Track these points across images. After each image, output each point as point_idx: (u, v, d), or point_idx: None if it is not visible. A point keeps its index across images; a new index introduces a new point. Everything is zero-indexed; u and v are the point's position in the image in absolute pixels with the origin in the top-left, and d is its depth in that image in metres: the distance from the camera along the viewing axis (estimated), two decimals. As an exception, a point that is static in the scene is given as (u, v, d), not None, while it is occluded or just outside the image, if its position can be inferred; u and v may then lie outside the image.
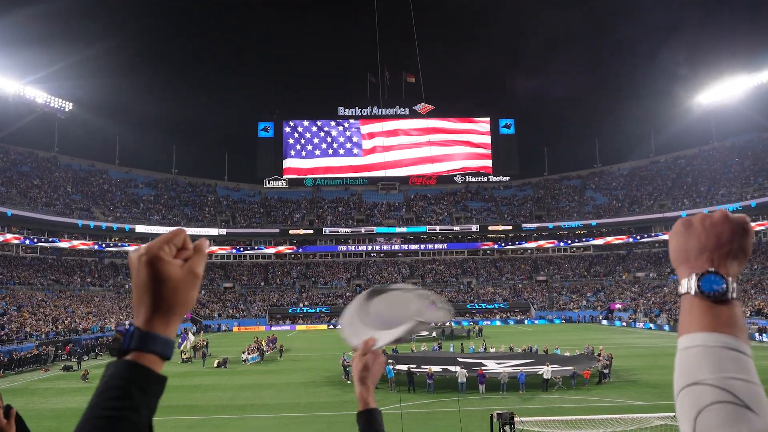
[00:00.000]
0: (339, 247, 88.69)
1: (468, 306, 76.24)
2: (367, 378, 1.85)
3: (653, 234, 79.91)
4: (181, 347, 39.55)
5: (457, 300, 78.06)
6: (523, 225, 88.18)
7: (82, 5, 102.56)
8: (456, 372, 26.24)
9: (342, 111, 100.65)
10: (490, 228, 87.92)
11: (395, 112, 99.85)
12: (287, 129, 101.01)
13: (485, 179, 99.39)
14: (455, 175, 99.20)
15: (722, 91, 78.76)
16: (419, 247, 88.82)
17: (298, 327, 70.88)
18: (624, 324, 64.15)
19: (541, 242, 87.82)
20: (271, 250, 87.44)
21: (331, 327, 70.31)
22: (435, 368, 27.53)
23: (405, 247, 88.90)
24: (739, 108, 79.92)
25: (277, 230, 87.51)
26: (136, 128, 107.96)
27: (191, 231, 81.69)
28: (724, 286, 1.01)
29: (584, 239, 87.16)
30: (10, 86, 67.83)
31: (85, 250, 75.15)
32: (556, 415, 18.19)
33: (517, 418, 15.31)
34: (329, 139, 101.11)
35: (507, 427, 15.06)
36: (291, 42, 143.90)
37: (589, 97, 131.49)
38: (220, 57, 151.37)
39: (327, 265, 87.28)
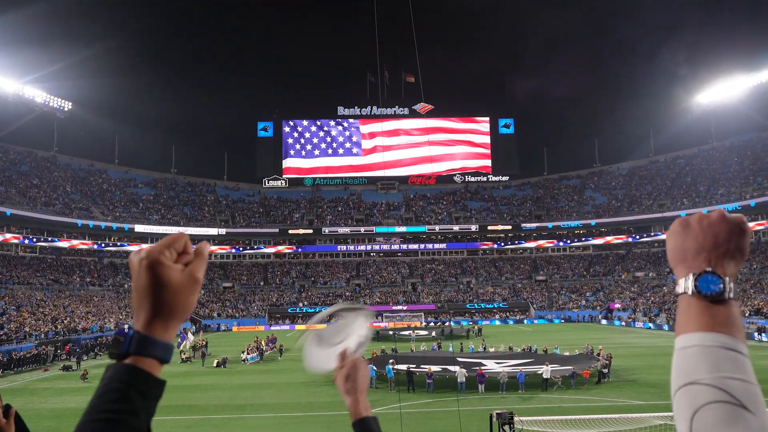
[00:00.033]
0: (338, 247, 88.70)
1: (467, 306, 76.28)
2: (353, 389, 1.80)
3: (652, 234, 79.95)
4: (181, 347, 39.55)
5: (456, 300, 78.11)
6: (523, 225, 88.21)
7: (81, 5, 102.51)
8: (455, 372, 26.25)
9: (341, 111, 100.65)
10: (489, 228, 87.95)
11: (395, 111, 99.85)
12: (287, 129, 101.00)
13: (485, 179, 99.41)
14: (455, 175, 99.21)
15: (722, 91, 78.79)
16: (418, 246, 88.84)
17: (298, 327, 70.84)
18: (623, 324, 64.19)
19: (541, 242, 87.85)
20: (271, 250, 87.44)
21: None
22: (434, 368, 27.54)
23: (404, 246, 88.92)
24: (739, 108, 79.98)
25: (277, 230, 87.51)
26: (136, 128, 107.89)
27: (190, 231, 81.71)
28: (721, 286, 1.02)
29: (583, 239, 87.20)
30: (9, 86, 67.79)
31: (84, 250, 75.13)
32: (556, 415, 18.20)
33: (516, 418, 15.31)
34: (329, 139, 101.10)
35: (506, 427, 15.06)
36: (290, 42, 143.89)
37: (588, 97, 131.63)
38: (219, 57, 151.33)
39: (326, 265, 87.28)
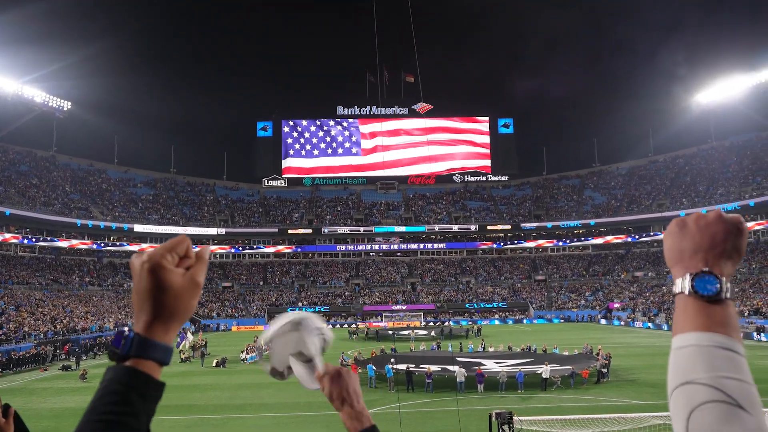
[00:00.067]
0: (338, 247, 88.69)
1: (467, 305, 76.30)
2: (348, 400, 1.60)
3: (652, 233, 79.98)
4: (180, 347, 39.55)
5: (455, 299, 78.12)
6: (522, 224, 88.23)
7: (81, 5, 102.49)
8: (455, 371, 26.26)
9: (341, 110, 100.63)
10: (488, 227, 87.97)
11: (394, 111, 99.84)
12: (286, 128, 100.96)
13: (484, 179, 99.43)
14: (454, 175, 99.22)
15: (721, 91, 78.81)
16: (418, 246, 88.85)
17: (297, 326, 70.76)
18: (622, 323, 64.22)
19: (540, 242, 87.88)
20: (270, 250, 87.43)
21: (330, 326, 70.18)
22: (434, 368, 27.54)
23: (404, 246, 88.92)
24: (738, 107, 80.00)
25: (276, 230, 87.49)
26: (135, 128, 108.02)
27: (190, 230, 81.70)
28: (718, 286, 1.02)
29: (583, 239, 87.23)
30: (8, 85, 67.72)
31: (83, 250, 75.10)
32: (555, 415, 18.21)
33: (515, 418, 15.32)
34: (328, 139, 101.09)
35: (505, 427, 15.07)
36: (290, 42, 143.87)
37: (588, 97, 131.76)
38: (219, 56, 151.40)
39: (326, 265, 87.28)
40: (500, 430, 15.13)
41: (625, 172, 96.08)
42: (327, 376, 1.61)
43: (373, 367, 27.71)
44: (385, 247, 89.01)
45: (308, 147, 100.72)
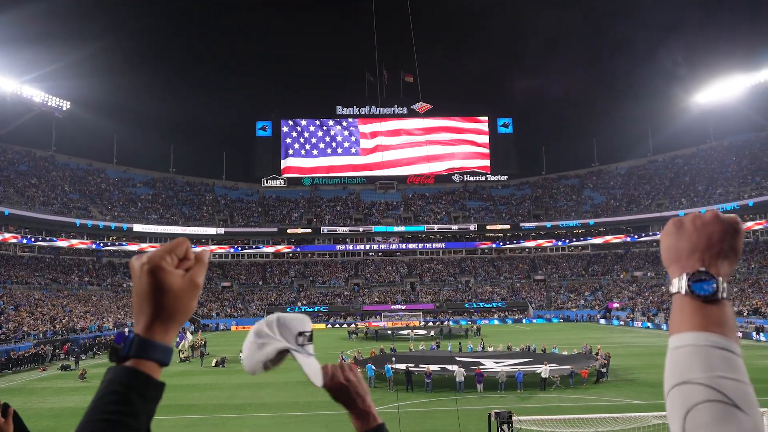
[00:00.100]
0: (337, 246, 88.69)
1: (466, 305, 76.32)
2: (345, 405, 1.58)
3: (651, 233, 79.99)
4: (179, 346, 39.54)
5: (455, 299, 78.15)
6: (521, 224, 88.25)
7: (80, 4, 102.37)
8: (454, 371, 26.27)
9: (340, 110, 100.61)
10: (488, 227, 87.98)
11: (393, 111, 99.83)
12: (285, 128, 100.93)
13: (483, 178, 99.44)
14: (453, 175, 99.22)
15: (720, 91, 78.86)
16: (417, 246, 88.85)
17: (297, 326, 70.77)
18: (622, 323, 64.25)
19: (539, 241, 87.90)
20: (270, 249, 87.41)
21: (329, 326, 70.30)
22: (433, 367, 27.55)
23: (403, 246, 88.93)
24: (737, 107, 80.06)
25: (275, 229, 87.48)
26: (134, 127, 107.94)
27: (189, 230, 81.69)
28: (715, 285, 1.03)
29: (582, 238, 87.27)
30: (7, 85, 67.66)
31: (82, 249, 75.06)
32: (554, 414, 18.22)
33: (515, 417, 15.32)
34: (327, 138, 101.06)
35: (505, 426, 15.07)
36: (289, 41, 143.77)
37: (587, 97, 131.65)
38: (218, 56, 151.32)
39: (325, 264, 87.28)
40: (499, 429, 15.13)
41: (625, 171, 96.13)
42: (329, 377, 1.55)
43: (373, 367, 27.72)
44: (384, 246, 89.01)
45: (307, 147, 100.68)
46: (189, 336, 42.04)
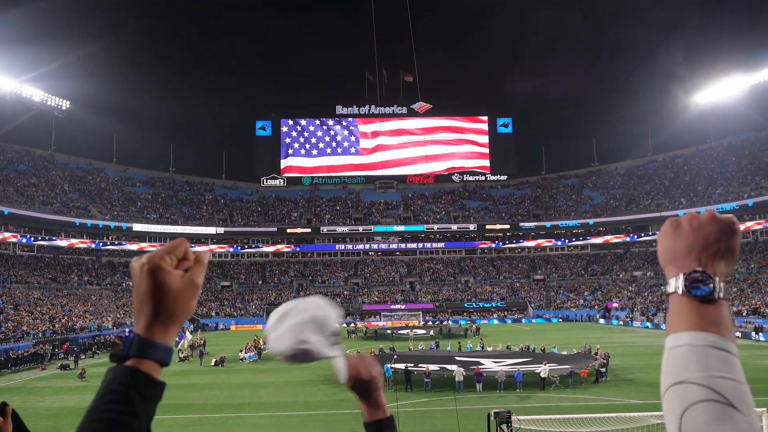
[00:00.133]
0: (337, 246, 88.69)
1: (465, 305, 76.35)
2: (359, 396, 1.63)
3: (650, 233, 79.99)
4: (179, 346, 39.53)
5: (454, 299, 78.17)
6: (521, 224, 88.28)
7: (80, 4, 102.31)
8: (453, 371, 26.29)
9: (340, 109, 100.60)
10: (487, 227, 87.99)
11: (393, 110, 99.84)
12: (285, 128, 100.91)
13: (483, 178, 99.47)
14: (453, 174, 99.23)
15: (720, 91, 78.91)
16: (417, 245, 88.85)
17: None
18: (621, 323, 64.27)
19: (539, 241, 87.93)
20: (269, 249, 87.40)
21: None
22: (432, 367, 27.57)
23: (403, 245, 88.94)
24: (737, 107, 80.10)
25: (275, 229, 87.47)
26: (134, 127, 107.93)
27: (189, 230, 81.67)
28: (711, 285, 1.03)
29: (582, 238, 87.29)
30: (6, 84, 67.64)
31: (82, 249, 75.04)
32: (553, 414, 18.24)
33: (514, 417, 15.32)
34: (327, 138, 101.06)
35: (504, 426, 15.08)
36: (289, 41, 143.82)
37: (586, 97, 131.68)
38: (217, 56, 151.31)
39: (325, 264, 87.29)
40: (499, 429, 15.14)
41: (624, 171, 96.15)
42: (355, 371, 1.60)
43: (372, 367, 27.68)
44: (383, 246, 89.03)
45: (307, 146, 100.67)
46: (188, 335, 42.05)
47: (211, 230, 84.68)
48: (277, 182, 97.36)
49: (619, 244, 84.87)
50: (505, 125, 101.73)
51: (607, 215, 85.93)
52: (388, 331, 53.73)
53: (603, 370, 27.92)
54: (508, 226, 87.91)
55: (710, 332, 1.00)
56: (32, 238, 68.47)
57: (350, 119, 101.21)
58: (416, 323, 67.21)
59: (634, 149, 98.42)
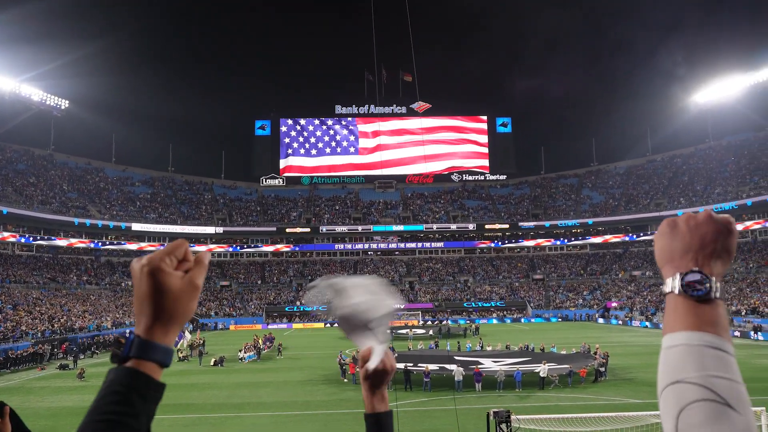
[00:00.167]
0: (336, 246, 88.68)
1: (465, 304, 76.37)
2: (370, 386, 1.71)
3: (649, 232, 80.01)
4: (178, 345, 39.52)
5: (453, 298, 78.18)
6: (520, 223, 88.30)
7: (79, 4, 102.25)
8: (453, 370, 26.30)
9: (339, 109, 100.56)
10: (486, 226, 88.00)
11: (392, 110, 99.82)
12: (284, 128, 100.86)
13: (482, 178, 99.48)
14: (452, 174, 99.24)
15: (718, 90, 78.94)
16: (416, 245, 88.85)
17: (295, 325, 70.89)
18: (620, 322, 64.31)
19: (538, 241, 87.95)
20: (268, 249, 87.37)
21: (328, 325, 70.30)
22: (432, 366, 27.57)
23: (402, 245, 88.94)
24: (736, 107, 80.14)
25: (274, 228, 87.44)
26: (133, 126, 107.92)
27: (188, 229, 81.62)
28: (708, 285, 1.03)
29: (581, 238, 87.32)
30: (5, 84, 67.56)
31: (81, 249, 74.98)
32: (553, 413, 18.25)
33: (513, 416, 15.32)
34: (326, 138, 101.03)
35: (503, 425, 15.07)
36: (289, 41, 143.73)
37: (586, 97, 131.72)
38: (217, 55, 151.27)
39: (324, 264, 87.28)
40: (498, 428, 15.14)
41: (623, 171, 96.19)
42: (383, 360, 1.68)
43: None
44: (383, 246, 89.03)
45: (306, 146, 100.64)
46: (188, 335, 42.02)
47: (210, 230, 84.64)
48: (276, 182, 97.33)
49: (618, 244, 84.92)
50: (504, 125, 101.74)
51: (606, 215, 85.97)
52: (387, 331, 53.69)
53: (602, 369, 27.94)
54: (507, 226, 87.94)
55: (707, 332, 1.00)
56: (31, 238, 68.41)
57: (349, 119, 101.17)
58: (415, 323, 67.20)
59: (633, 149, 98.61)
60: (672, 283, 1.06)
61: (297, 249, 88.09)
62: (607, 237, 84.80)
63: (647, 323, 59.73)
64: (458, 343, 41.79)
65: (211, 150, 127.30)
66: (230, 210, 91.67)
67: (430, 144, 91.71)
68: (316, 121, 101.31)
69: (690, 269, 1.05)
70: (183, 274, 1.12)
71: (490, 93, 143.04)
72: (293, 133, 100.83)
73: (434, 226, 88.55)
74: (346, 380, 28.53)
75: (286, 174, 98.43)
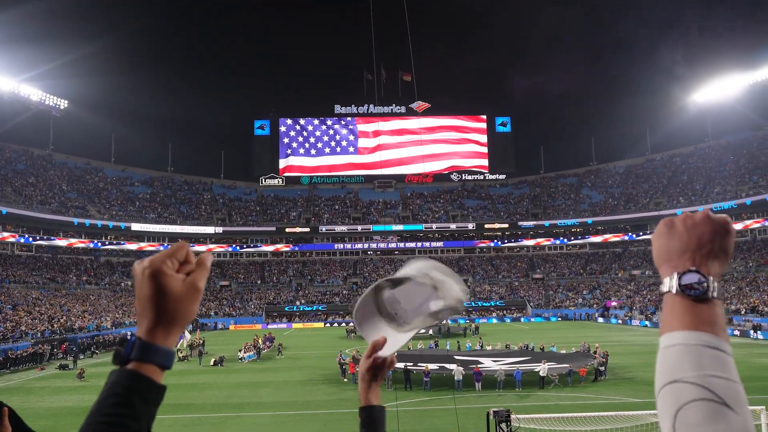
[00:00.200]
0: (335, 245, 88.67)
1: (464, 303, 76.17)
2: (370, 379, 1.78)
3: (649, 232, 79.91)
4: (178, 345, 39.51)
5: (453, 298, 78.10)
6: (520, 223, 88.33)
7: (78, 4, 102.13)
8: (452, 370, 26.31)
9: (338, 109, 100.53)
10: (486, 226, 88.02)
11: (392, 110, 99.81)
12: (283, 127, 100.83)
13: (482, 177, 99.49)
14: (452, 173, 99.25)
15: (718, 90, 78.98)
16: (416, 245, 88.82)
17: (295, 325, 70.88)
18: (620, 321, 64.34)
19: (538, 240, 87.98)
20: (268, 248, 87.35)
21: (328, 325, 70.33)
22: (431, 366, 27.58)
23: (401, 245, 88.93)
24: (735, 106, 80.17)
25: (274, 228, 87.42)
26: (132, 126, 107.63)
27: (187, 229, 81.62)
28: (705, 285, 1.03)
29: (580, 237, 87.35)
30: (5, 84, 67.53)
31: (80, 249, 74.94)
32: (552, 413, 18.25)
33: (513, 416, 15.33)
34: (326, 137, 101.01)
35: (503, 425, 15.08)
36: (288, 41, 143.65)
37: (585, 96, 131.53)
38: (217, 56, 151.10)
39: (323, 263, 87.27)
40: (498, 428, 15.14)
41: (623, 170, 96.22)
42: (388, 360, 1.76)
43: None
44: (382, 245, 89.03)
45: (306, 145, 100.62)
46: (187, 335, 42.01)
47: (209, 230, 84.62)
48: (275, 182, 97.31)
49: (618, 243, 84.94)
50: (503, 124, 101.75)
51: (605, 214, 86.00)
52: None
53: (602, 368, 27.96)
54: (506, 225, 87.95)
55: (704, 331, 1.00)
56: (30, 238, 68.37)
57: (349, 118, 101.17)
58: (415, 322, 67.10)
59: (632, 148, 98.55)
60: (669, 283, 1.06)
61: (296, 249, 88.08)
62: (607, 236, 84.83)
63: (647, 322, 59.75)
64: (458, 342, 41.80)
65: (211, 150, 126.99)
66: (230, 210, 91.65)
67: (429, 143, 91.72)
68: (316, 121, 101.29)
69: (687, 269, 1.05)
70: (185, 277, 1.12)
71: (489, 92, 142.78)
72: (293, 133, 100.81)
73: (434, 226, 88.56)
74: (345, 380, 28.52)
75: (285, 174, 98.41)
